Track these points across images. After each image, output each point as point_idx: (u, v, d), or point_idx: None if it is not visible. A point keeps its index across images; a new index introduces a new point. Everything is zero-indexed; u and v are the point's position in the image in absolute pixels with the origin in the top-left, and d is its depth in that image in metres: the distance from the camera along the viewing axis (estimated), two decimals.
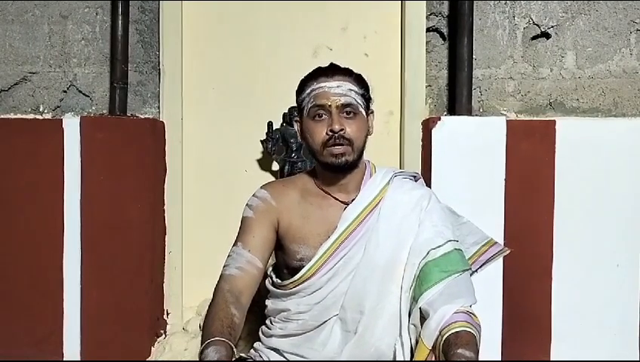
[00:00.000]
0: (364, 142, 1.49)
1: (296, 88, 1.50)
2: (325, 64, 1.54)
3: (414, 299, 1.40)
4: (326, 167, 1.47)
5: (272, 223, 1.50)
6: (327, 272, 1.43)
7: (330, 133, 1.42)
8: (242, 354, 1.58)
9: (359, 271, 1.43)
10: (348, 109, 1.44)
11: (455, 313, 1.31)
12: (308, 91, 1.46)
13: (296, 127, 1.54)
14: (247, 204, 1.54)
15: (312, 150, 1.48)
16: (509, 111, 2.39)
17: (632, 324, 2.30)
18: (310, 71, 1.49)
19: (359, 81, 1.48)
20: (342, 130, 1.42)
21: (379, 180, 1.52)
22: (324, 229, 1.47)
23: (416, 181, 1.60)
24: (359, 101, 1.45)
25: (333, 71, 1.47)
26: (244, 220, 1.52)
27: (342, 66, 1.49)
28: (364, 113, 1.47)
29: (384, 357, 1.42)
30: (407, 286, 1.41)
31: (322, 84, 1.44)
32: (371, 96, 1.51)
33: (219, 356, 1.24)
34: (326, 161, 1.44)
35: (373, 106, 1.53)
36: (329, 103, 1.42)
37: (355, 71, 1.49)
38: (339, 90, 1.43)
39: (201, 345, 1.28)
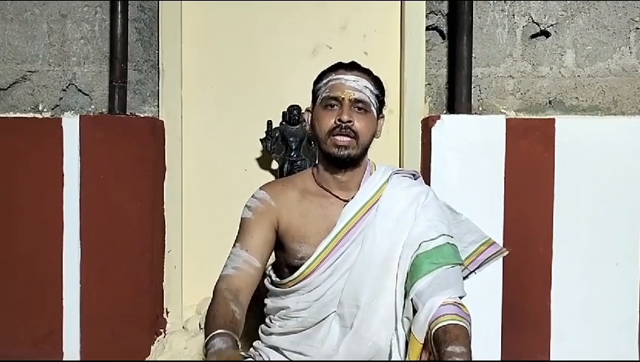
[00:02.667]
0: (370, 142, 1.50)
1: (315, 79, 1.53)
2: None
3: (406, 292, 1.40)
4: (328, 159, 1.47)
5: (271, 223, 1.50)
6: (326, 270, 1.44)
7: (338, 123, 1.43)
8: (242, 353, 1.58)
9: (356, 266, 1.44)
10: (360, 105, 1.45)
11: (442, 305, 1.31)
12: (325, 81, 1.49)
13: (307, 117, 1.55)
14: (246, 205, 1.54)
15: (317, 138, 1.49)
16: (509, 110, 2.39)
17: (631, 324, 2.30)
18: (331, 65, 1.52)
19: (376, 82, 1.51)
20: (350, 121, 1.43)
21: (378, 178, 1.53)
22: (324, 227, 1.47)
23: (415, 179, 1.61)
24: (372, 100, 1.47)
25: (352, 67, 1.50)
26: (242, 221, 1.53)
27: (363, 66, 1.51)
28: (374, 113, 1.49)
29: (381, 351, 1.42)
30: (401, 281, 1.42)
31: (340, 76, 1.47)
32: (385, 101, 1.53)
33: (226, 346, 1.24)
34: (329, 151, 1.45)
35: (385, 112, 1.54)
36: (342, 96, 1.44)
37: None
38: (355, 84, 1.45)
39: (205, 338, 1.28)
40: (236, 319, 1.35)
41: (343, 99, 1.44)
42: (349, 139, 1.44)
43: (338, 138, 1.43)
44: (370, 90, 1.47)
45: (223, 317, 1.33)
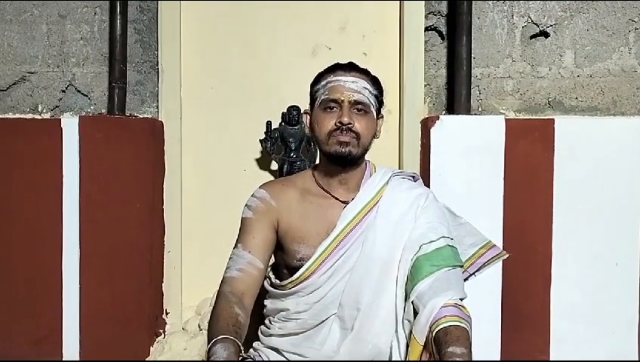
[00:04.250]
0: (370, 142, 1.50)
1: (312, 80, 1.52)
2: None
3: (406, 294, 1.40)
4: (329, 158, 1.47)
5: (271, 223, 1.50)
6: (326, 271, 1.43)
7: (339, 125, 1.43)
8: (242, 354, 1.58)
9: (356, 268, 1.43)
10: (359, 106, 1.45)
11: (443, 307, 1.31)
12: (323, 83, 1.48)
13: (305, 119, 1.55)
14: (246, 205, 1.54)
15: (317, 140, 1.49)
16: (508, 110, 2.39)
17: (631, 324, 2.30)
18: (328, 66, 1.51)
19: (375, 82, 1.50)
20: (350, 123, 1.43)
21: (378, 180, 1.53)
22: (324, 229, 1.47)
23: (414, 181, 1.61)
24: (372, 101, 1.47)
25: (351, 68, 1.49)
26: (243, 221, 1.52)
27: (360, 67, 1.51)
28: (374, 114, 1.49)
29: (382, 353, 1.42)
30: (402, 283, 1.42)
31: (339, 78, 1.46)
32: (384, 101, 1.53)
33: (227, 353, 1.24)
34: (330, 151, 1.45)
35: (383, 112, 1.54)
36: (342, 98, 1.44)
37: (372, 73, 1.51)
38: (354, 85, 1.45)
39: (208, 344, 1.28)
40: (239, 322, 1.35)
41: (342, 101, 1.44)
42: (350, 137, 1.44)
43: (340, 136, 1.43)
44: (369, 91, 1.47)
45: (226, 321, 1.33)
